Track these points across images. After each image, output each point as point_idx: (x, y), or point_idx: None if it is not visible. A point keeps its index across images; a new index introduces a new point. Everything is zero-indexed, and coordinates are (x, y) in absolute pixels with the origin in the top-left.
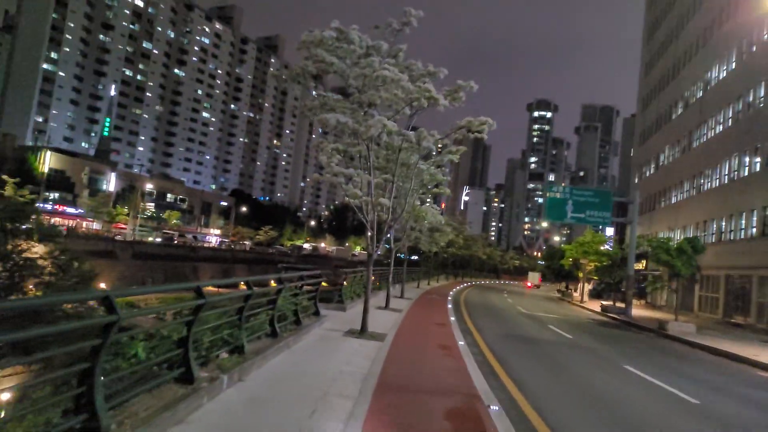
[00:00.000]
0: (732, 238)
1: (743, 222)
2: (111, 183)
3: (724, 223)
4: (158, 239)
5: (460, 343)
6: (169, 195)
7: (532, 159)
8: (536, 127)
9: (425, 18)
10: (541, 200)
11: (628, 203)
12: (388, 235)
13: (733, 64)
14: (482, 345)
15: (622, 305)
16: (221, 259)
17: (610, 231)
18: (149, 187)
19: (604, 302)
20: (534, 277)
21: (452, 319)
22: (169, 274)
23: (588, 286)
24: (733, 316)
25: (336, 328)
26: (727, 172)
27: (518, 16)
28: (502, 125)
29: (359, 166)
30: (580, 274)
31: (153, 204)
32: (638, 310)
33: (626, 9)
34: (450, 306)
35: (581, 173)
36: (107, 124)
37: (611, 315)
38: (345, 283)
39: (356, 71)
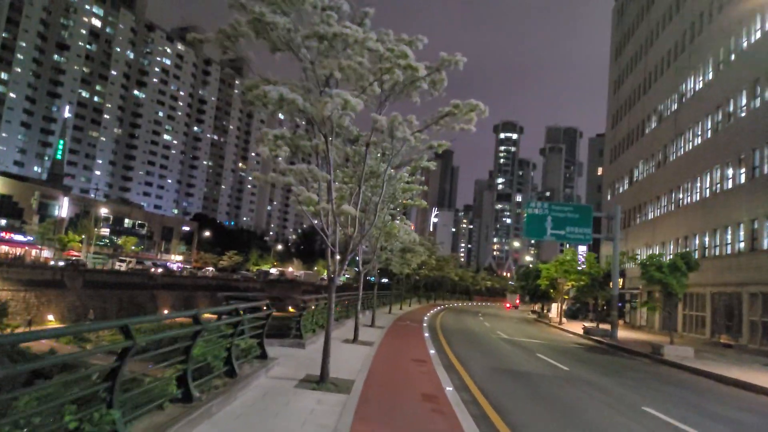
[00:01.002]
0: (717, 253)
1: (729, 236)
2: (63, 208)
3: (707, 238)
4: (123, 266)
5: (447, 389)
6: (126, 220)
7: (500, 180)
8: (503, 148)
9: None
10: (509, 221)
11: (609, 218)
12: (356, 257)
13: (710, 74)
14: (472, 388)
15: (606, 327)
16: (181, 286)
17: (582, 248)
18: (104, 212)
19: (587, 324)
20: (512, 299)
21: (432, 352)
22: (124, 304)
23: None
24: (721, 336)
25: (287, 375)
26: (708, 185)
27: (483, 39)
28: (470, 147)
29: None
30: (557, 295)
31: (108, 230)
32: (620, 332)
33: (588, 33)
34: (427, 334)
35: (547, 193)
36: (60, 147)
37: (596, 338)
38: (306, 311)
39: (306, 32)
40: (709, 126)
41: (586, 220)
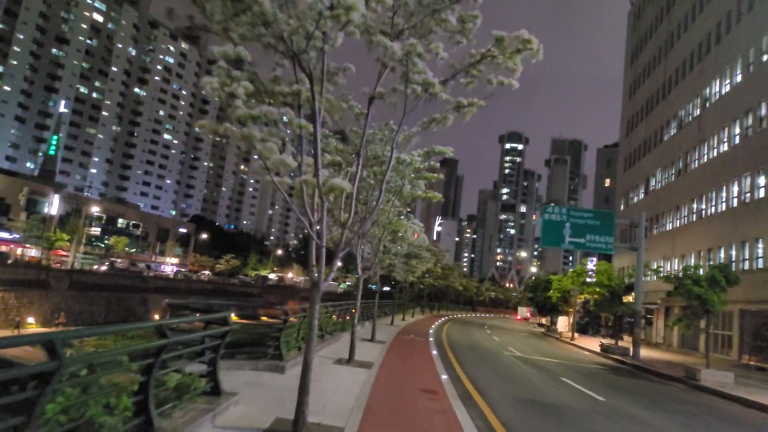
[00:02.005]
0: (746, 267)
1: (761, 249)
2: (53, 205)
3: (734, 252)
4: (103, 267)
5: None
6: (120, 220)
7: (504, 190)
8: (508, 158)
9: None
10: (513, 231)
11: (632, 226)
12: (356, 260)
13: (738, 76)
14: None
15: (624, 344)
16: (175, 290)
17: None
18: (96, 210)
19: (603, 341)
20: (523, 311)
21: (444, 377)
22: (113, 307)
23: (568, 320)
24: (751, 357)
25: (247, 421)
26: (737, 194)
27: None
28: (475, 156)
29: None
30: (568, 308)
31: (100, 229)
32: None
33: (596, 46)
34: (435, 351)
35: (551, 205)
36: (54, 143)
37: (616, 357)
38: (290, 323)
39: None
40: (738, 131)
41: (608, 227)
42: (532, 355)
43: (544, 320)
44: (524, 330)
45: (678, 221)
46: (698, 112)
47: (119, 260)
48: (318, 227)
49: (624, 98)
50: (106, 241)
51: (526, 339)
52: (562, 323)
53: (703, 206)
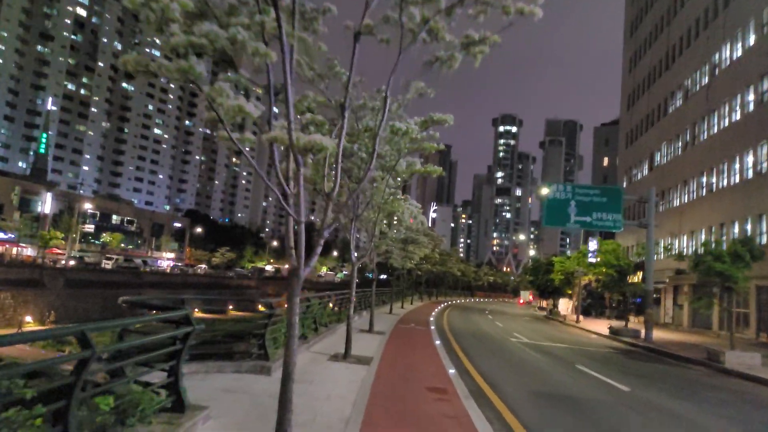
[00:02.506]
0: (764, 242)
1: None
2: (46, 204)
3: (750, 226)
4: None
5: None
6: (114, 216)
7: (499, 174)
8: (502, 141)
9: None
10: (509, 215)
11: (642, 201)
12: (352, 246)
13: (751, 39)
14: None
15: (633, 327)
16: (170, 284)
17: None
18: (89, 207)
19: (613, 323)
20: (525, 295)
21: (451, 372)
22: (109, 304)
23: (570, 302)
24: None
25: None
26: (750, 166)
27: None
28: (469, 141)
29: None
30: (569, 290)
31: (93, 226)
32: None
33: (589, 24)
34: (438, 341)
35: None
36: (43, 141)
37: (627, 340)
38: (277, 317)
39: None
40: (752, 97)
41: (616, 204)
42: (539, 341)
43: (545, 303)
44: (526, 314)
45: (686, 196)
46: (706, 81)
47: (115, 257)
48: (294, 200)
49: (624, 72)
50: (101, 239)
51: (529, 323)
52: (564, 306)
53: (714, 179)
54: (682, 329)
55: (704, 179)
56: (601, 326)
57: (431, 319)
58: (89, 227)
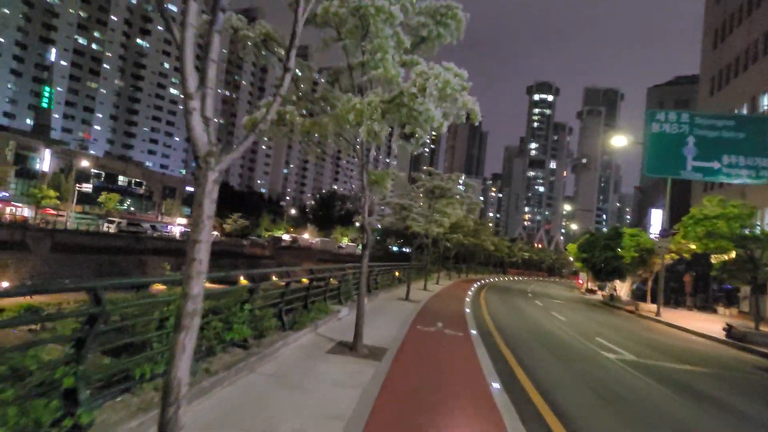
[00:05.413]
0: None
1: None
2: (45, 161)
3: None
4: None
5: None
6: (121, 177)
7: (533, 145)
8: (536, 111)
9: None
10: (542, 189)
11: None
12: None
13: None
14: None
15: (735, 320)
16: (175, 251)
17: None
18: (86, 165)
19: (732, 321)
20: (584, 276)
21: None
22: (104, 272)
23: (625, 286)
24: None
25: None
26: None
27: None
28: (500, 111)
29: None
30: (641, 272)
31: (91, 187)
32: (749, 325)
33: None
34: (484, 360)
35: (584, 160)
36: (46, 95)
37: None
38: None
39: None
40: None
41: (761, 141)
42: (647, 358)
43: (596, 286)
44: (576, 298)
45: None
46: None
47: (117, 220)
48: None
49: (708, 1)
50: (98, 200)
51: (593, 314)
52: (623, 291)
53: None
54: None
55: None
56: (694, 321)
57: (467, 310)
58: (87, 187)
